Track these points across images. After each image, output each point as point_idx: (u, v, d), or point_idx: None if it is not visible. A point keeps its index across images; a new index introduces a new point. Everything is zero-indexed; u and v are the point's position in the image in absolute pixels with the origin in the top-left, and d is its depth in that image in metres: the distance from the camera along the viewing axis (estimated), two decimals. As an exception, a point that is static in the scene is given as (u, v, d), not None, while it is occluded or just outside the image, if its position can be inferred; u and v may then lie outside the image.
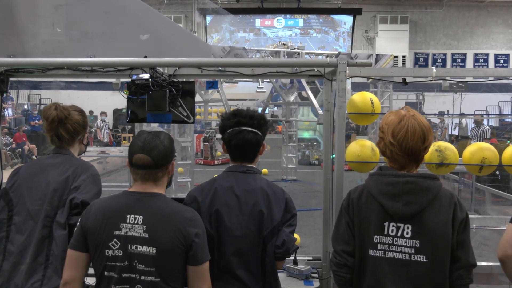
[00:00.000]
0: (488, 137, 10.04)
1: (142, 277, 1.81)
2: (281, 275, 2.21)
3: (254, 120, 2.18)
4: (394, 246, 1.82)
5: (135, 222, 1.83)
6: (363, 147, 2.90)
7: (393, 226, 1.82)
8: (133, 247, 1.81)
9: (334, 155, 2.69)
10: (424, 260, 1.79)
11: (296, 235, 2.18)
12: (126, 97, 2.77)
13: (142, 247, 1.81)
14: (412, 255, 1.80)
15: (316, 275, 2.89)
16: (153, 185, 1.93)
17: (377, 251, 1.84)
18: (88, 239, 1.87)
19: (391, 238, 1.82)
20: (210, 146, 16.00)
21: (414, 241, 1.80)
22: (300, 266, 2.88)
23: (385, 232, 1.83)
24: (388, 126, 1.89)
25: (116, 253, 1.82)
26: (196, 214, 1.94)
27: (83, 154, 2.61)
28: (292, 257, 2.87)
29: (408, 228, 1.80)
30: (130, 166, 1.93)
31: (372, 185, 1.90)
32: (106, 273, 1.84)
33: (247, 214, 2.07)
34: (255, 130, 2.17)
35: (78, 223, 1.94)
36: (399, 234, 1.81)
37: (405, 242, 1.81)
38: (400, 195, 1.81)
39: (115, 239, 1.83)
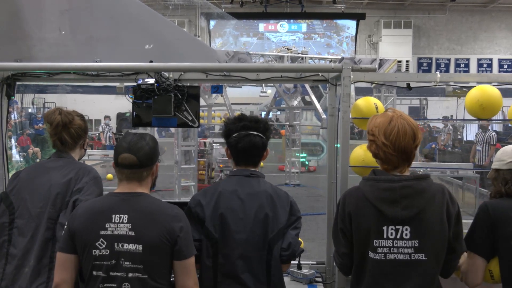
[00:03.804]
0: (494, 143, 9.85)
1: (130, 274, 1.85)
2: (285, 280, 2.22)
3: (259, 124, 2.20)
4: (394, 248, 1.86)
5: (120, 221, 1.88)
6: (367, 151, 2.88)
7: (391, 229, 1.86)
8: (120, 245, 1.86)
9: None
10: (423, 258, 1.85)
11: (299, 239, 2.19)
12: (131, 101, 2.78)
13: (128, 245, 1.85)
14: (412, 254, 1.85)
15: (320, 279, 2.89)
16: (137, 184, 1.97)
17: (377, 254, 1.87)
18: (75, 240, 1.91)
19: (391, 241, 1.86)
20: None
21: (413, 241, 1.85)
22: (304, 270, 2.88)
23: (385, 236, 1.86)
24: (378, 128, 1.91)
25: (103, 252, 1.86)
26: (180, 211, 1.99)
27: (87, 158, 2.63)
28: (296, 261, 2.87)
29: (406, 229, 1.85)
30: (115, 166, 1.99)
31: (368, 190, 1.92)
32: (94, 272, 1.87)
33: (252, 218, 2.08)
34: (261, 134, 2.19)
35: (65, 226, 1.98)
36: (398, 236, 1.85)
37: (405, 243, 1.85)
38: (398, 200, 1.85)
39: (101, 239, 1.87)
